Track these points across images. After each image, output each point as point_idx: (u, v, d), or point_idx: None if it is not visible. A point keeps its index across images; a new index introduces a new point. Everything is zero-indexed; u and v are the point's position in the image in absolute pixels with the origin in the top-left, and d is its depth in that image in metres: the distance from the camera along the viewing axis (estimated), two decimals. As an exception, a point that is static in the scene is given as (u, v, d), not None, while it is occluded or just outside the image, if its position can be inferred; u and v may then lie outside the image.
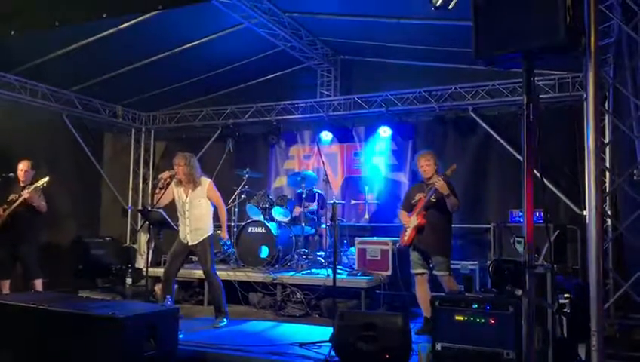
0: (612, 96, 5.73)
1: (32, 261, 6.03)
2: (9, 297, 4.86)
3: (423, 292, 5.22)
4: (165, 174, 5.48)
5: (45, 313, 3.67)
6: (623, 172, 5.00)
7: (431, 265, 5.25)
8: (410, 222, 5.25)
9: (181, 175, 5.40)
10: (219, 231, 5.75)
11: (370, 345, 3.91)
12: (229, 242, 5.92)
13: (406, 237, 5.27)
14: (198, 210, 5.46)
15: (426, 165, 5.26)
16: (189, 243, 5.46)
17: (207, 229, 5.53)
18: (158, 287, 6.90)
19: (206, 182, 5.54)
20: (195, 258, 6.05)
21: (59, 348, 3.60)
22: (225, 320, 5.47)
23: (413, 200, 5.32)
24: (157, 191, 5.48)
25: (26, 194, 5.80)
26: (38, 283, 6.02)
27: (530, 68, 3.20)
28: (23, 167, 6.04)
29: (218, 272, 5.66)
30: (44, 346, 3.65)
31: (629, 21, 4.04)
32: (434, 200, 5.15)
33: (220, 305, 5.49)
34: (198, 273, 6.21)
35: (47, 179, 5.92)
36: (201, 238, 5.46)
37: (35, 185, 5.85)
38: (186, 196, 5.47)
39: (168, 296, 5.28)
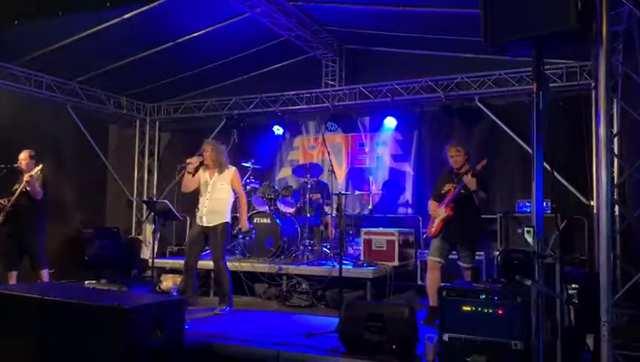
0: (622, 85, 5.65)
1: (39, 252, 6.06)
2: (15, 288, 4.88)
3: (434, 278, 5.13)
4: (193, 159, 5.68)
5: (51, 303, 3.67)
6: (632, 161, 4.93)
7: (456, 256, 5.21)
8: (438, 213, 5.18)
9: (208, 160, 5.68)
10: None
11: (376, 335, 3.89)
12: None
13: (433, 229, 5.21)
14: (219, 193, 5.67)
15: (456, 155, 5.20)
16: (204, 225, 5.61)
17: (225, 215, 5.68)
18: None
19: (232, 169, 5.82)
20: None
21: (64, 339, 3.60)
22: (227, 308, 5.55)
23: (443, 191, 5.23)
24: (184, 175, 5.69)
25: (24, 181, 5.83)
26: (45, 274, 6.07)
27: (540, 55, 3.15)
28: (22, 156, 6.08)
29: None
30: (50, 336, 3.65)
31: (640, 7, 3.96)
32: (463, 192, 5.04)
33: (226, 293, 5.59)
34: (205, 264, 6.20)
35: (40, 166, 5.96)
36: (217, 223, 5.59)
37: (29, 174, 5.86)
38: (211, 178, 5.70)
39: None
